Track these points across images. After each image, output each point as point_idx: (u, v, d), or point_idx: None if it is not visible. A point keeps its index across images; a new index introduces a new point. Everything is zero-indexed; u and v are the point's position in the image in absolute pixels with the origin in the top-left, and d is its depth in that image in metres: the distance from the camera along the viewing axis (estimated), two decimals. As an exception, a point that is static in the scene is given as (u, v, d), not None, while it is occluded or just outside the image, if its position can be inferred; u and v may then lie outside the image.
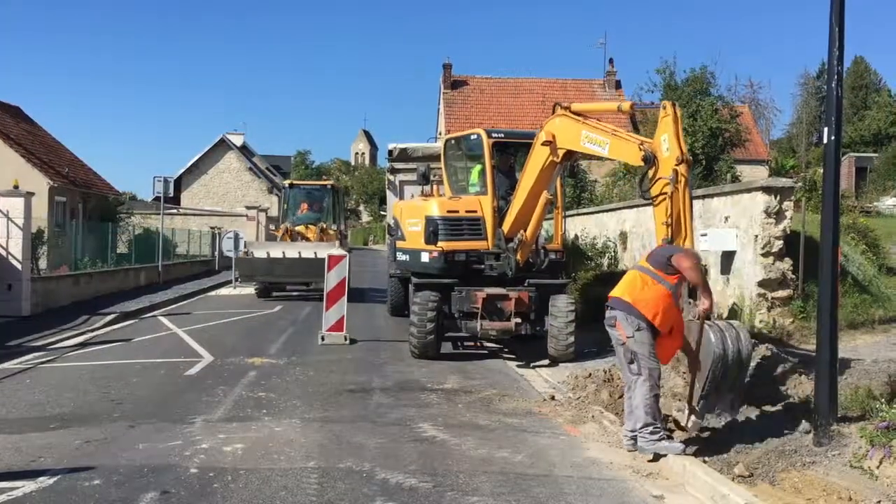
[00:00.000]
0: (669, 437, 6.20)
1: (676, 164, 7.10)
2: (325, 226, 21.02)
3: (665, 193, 7.12)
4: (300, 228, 20.72)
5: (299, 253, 18.25)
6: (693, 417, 6.48)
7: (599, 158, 10.17)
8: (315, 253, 17.75)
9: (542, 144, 9.59)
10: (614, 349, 6.57)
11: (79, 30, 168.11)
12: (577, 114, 9.20)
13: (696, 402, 6.42)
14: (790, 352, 9.45)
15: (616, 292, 6.45)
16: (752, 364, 7.19)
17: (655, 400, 6.16)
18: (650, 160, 7.41)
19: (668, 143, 7.27)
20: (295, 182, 23.89)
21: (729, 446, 6.34)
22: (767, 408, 7.29)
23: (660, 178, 7.24)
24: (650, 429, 6.07)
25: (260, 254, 18.88)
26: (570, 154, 9.66)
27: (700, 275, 6.29)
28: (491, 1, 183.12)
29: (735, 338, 6.36)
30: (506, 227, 10.80)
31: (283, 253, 18.49)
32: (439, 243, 10.99)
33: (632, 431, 6.26)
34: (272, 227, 22.47)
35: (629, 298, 6.29)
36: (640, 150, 7.55)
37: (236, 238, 22.76)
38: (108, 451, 6.34)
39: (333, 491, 5.41)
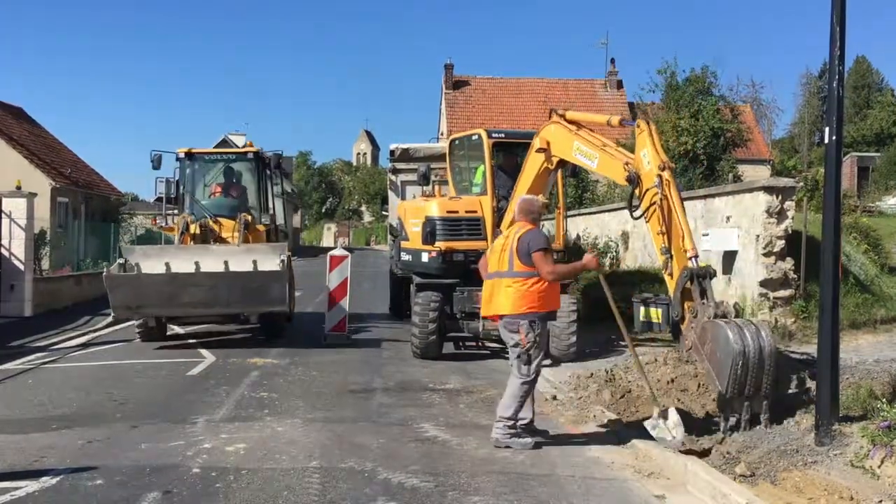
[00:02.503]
0: (520, 435, 6.51)
1: (660, 171, 7.21)
2: (248, 218, 13.00)
3: (654, 203, 7.20)
4: (209, 223, 12.94)
5: (226, 264, 11.23)
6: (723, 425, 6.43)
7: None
8: (254, 263, 11.32)
9: (537, 151, 9.71)
10: (508, 348, 6.69)
11: (80, 31, 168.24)
12: (572, 122, 9.30)
13: (723, 409, 6.35)
14: (792, 351, 9.46)
15: (505, 310, 6.51)
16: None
17: (526, 399, 6.56)
18: (634, 181, 7.54)
19: (648, 157, 7.41)
20: (196, 151, 14.06)
21: (730, 446, 6.34)
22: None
23: (646, 191, 7.34)
24: (511, 423, 6.48)
25: (153, 268, 11.39)
26: (563, 162, 9.77)
27: (563, 270, 6.85)
28: (492, 1, 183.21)
29: (755, 333, 6.23)
30: (503, 227, 10.81)
31: (197, 265, 11.25)
32: (437, 243, 11.00)
33: (507, 420, 6.51)
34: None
35: (524, 309, 6.41)
36: (625, 170, 7.70)
37: None
38: (111, 451, 6.35)
39: (335, 491, 5.42)
